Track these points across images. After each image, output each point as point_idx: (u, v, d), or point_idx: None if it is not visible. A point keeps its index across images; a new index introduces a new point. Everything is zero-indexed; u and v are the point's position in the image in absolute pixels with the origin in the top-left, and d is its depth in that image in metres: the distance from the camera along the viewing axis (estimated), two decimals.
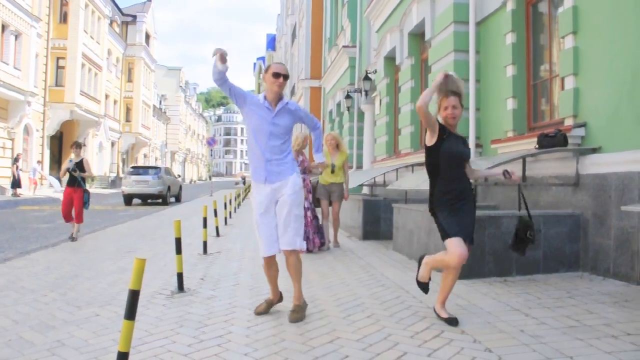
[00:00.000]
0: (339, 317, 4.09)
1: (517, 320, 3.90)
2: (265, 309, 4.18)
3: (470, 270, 5.28)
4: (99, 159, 39.41)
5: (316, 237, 7.68)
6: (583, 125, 5.78)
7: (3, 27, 24.48)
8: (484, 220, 5.52)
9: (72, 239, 9.03)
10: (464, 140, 3.97)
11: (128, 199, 21.62)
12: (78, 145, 9.45)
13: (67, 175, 9.30)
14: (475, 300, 4.51)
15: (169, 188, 22.34)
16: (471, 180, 4.02)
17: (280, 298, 4.32)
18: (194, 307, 4.41)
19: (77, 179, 9.15)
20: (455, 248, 3.70)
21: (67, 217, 9.23)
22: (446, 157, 3.79)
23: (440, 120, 3.88)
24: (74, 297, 4.84)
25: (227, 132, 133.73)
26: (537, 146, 6.11)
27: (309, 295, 4.67)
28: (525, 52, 7.44)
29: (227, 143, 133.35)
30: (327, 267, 6.40)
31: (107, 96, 41.11)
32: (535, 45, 7.45)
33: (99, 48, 37.33)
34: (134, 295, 2.83)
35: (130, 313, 2.80)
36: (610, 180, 5.35)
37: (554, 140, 5.86)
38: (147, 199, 22.36)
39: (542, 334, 3.54)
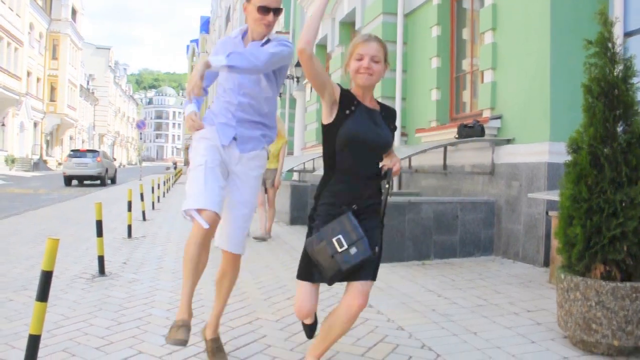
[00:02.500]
0: (259, 299, 4.17)
1: (430, 300, 4.12)
2: (185, 336, 2.48)
3: (390, 255, 5.49)
4: (20, 140, 37.48)
5: None
6: (499, 117, 6.11)
7: None
8: (404, 207, 5.74)
9: None
10: (385, 116, 2.54)
11: (68, 180, 22.92)
12: None
13: None
14: (393, 283, 4.71)
15: (106, 170, 23.92)
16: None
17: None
18: (114, 291, 4.36)
19: None
20: (298, 296, 2.54)
21: None
22: (345, 142, 2.40)
23: (350, 78, 2.51)
24: None
25: (159, 116, 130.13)
26: (456, 136, 6.39)
27: None
28: (450, 46, 7.74)
29: (159, 127, 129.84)
30: (252, 252, 6.45)
31: (29, 73, 39.07)
32: (459, 39, 7.76)
33: (19, 21, 35.34)
34: (46, 277, 2.78)
35: (43, 295, 2.75)
36: (521, 169, 5.69)
37: (472, 131, 6.15)
38: (86, 180, 23.67)
39: (452, 312, 3.76)
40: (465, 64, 7.69)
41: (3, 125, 34.51)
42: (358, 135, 2.40)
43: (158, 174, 26.94)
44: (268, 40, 2.79)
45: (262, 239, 7.44)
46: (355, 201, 2.43)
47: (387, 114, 2.57)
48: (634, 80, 3.13)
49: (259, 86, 2.80)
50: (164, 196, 15.63)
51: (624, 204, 2.97)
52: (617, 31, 5.22)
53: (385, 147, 2.52)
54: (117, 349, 3.03)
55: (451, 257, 5.85)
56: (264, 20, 2.73)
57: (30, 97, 38.92)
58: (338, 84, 2.47)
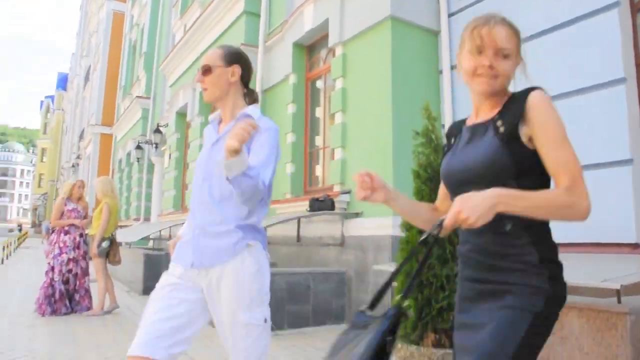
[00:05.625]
0: None
1: None
2: None
3: None
4: None
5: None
6: (349, 192, 6.52)
7: None
8: None
9: None
10: (502, 116, 1.57)
11: None
12: None
13: None
14: None
15: None
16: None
17: None
18: None
19: None
20: None
21: None
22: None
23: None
24: None
25: (4, 173, 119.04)
26: (308, 209, 6.69)
27: (74, 356, 4.40)
28: (304, 122, 8.21)
29: (3, 185, 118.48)
30: (99, 325, 6.08)
31: None
32: (312, 117, 8.28)
33: None
34: None
35: None
36: (369, 241, 6.08)
37: (323, 204, 6.49)
38: None
39: None
40: (318, 140, 8.17)
41: None
42: (443, 170, 1.74)
43: (0, 237, 24.46)
44: (246, 112, 2.22)
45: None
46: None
47: (506, 111, 1.57)
48: None
49: None
50: (3, 262, 14.20)
51: (449, 278, 3.32)
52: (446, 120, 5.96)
53: (480, 171, 1.55)
54: None
55: (304, 327, 5.97)
56: (199, 79, 2.23)
57: None
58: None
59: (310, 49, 8.42)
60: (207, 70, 2.19)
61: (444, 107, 6.20)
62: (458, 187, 1.61)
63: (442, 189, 1.85)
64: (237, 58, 2.27)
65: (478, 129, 1.62)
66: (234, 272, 2.06)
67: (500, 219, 1.41)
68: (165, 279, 2.18)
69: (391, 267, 5.23)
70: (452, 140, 1.75)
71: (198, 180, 2.19)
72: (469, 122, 1.70)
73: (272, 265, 7.45)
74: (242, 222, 2.10)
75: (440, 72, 6.39)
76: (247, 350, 2.08)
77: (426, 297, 3.35)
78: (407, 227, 3.56)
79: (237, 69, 2.25)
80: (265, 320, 2.15)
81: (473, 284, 1.59)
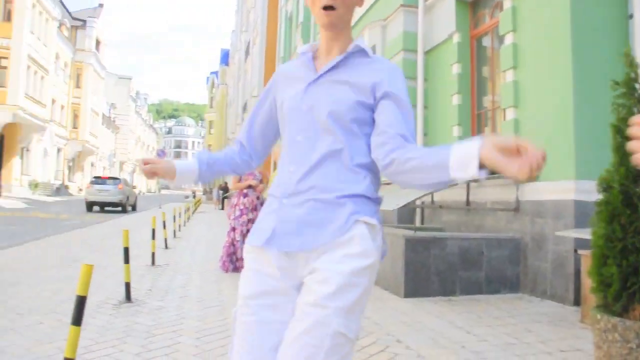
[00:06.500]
0: None
1: (459, 337, 4.06)
2: None
3: (416, 289, 5.47)
4: (43, 165, 38.10)
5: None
6: None
7: None
8: (429, 242, 5.71)
9: None
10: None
11: (89, 205, 23.20)
12: None
13: None
14: (420, 318, 4.66)
15: (127, 197, 24.29)
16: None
17: None
18: (141, 317, 4.37)
19: None
20: None
21: None
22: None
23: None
24: (16, 305, 4.71)
25: (178, 145, 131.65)
26: None
27: None
28: (470, 83, 7.81)
29: (177, 156, 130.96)
30: None
31: (53, 101, 39.94)
32: (479, 77, 7.84)
33: (46, 50, 36.36)
34: (80, 302, 2.83)
35: (77, 319, 2.80)
36: (547, 207, 5.65)
37: None
38: (107, 207, 23.80)
39: (482, 350, 3.71)
40: (487, 101, 7.74)
41: (27, 150, 35.16)
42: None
43: (177, 202, 27.15)
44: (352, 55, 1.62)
45: None
46: None
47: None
48: None
49: None
50: (184, 225, 15.71)
51: None
52: None
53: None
54: None
55: (477, 294, 5.78)
56: (324, 14, 1.57)
57: (54, 124, 39.71)
58: None
59: (474, 4, 7.94)
60: None
61: (635, 56, 5.48)
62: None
63: None
64: None
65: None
66: (336, 258, 1.46)
67: None
68: (252, 280, 1.56)
69: (577, 234, 4.82)
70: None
71: (291, 133, 1.62)
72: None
73: (440, 229, 7.32)
74: (353, 190, 1.52)
75: (630, 16, 5.64)
76: None
77: (632, 264, 3.00)
78: (606, 186, 3.20)
79: None
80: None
81: None
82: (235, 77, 45.99)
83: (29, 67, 32.85)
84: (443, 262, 5.72)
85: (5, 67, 31.00)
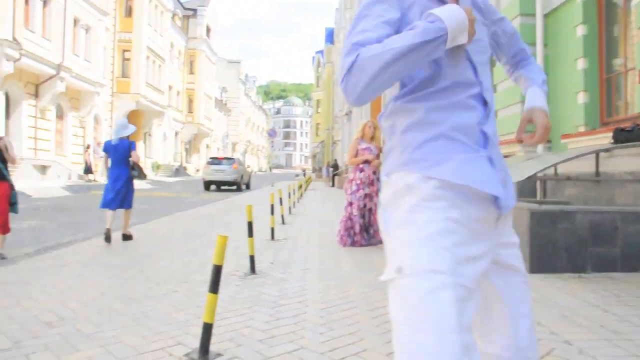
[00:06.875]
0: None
1: (595, 315, 3.80)
2: None
3: (542, 265, 5.19)
4: (163, 148, 40.79)
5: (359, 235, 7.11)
6: None
7: (75, 21, 25.73)
8: (557, 215, 5.38)
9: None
10: None
11: (207, 185, 24.55)
12: None
13: None
14: (550, 294, 4.42)
15: (241, 176, 25.29)
16: None
17: None
18: (267, 288, 4.53)
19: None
20: None
21: None
22: None
23: None
24: (152, 275, 5.07)
25: (287, 125, 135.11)
26: (612, 141, 5.89)
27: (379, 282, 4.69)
28: (598, 45, 7.18)
29: (287, 136, 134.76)
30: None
31: (170, 87, 42.46)
32: (609, 38, 7.18)
33: (162, 41, 38.71)
34: (217, 270, 2.97)
35: (214, 287, 2.95)
36: None
37: (631, 135, 5.64)
38: (223, 186, 25.04)
39: (625, 330, 3.43)
40: (617, 64, 7.09)
41: (149, 135, 37.74)
42: None
43: (288, 181, 27.93)
44: None
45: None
46: None
47: None
48: None
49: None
50: (298, 202, 16.11)
51: None
52: None
53: None
54: (279, 343, 3.12)
55: (611, 271, 5.37)
56: None
57: (171, 109, 42.26)
58: None
59: None
60: None
61: None
62: None
63: None
64: None
65: None
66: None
67: None
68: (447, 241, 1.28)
69: None
70: None
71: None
72: None
73: (567, 203, 6.88)
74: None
75: None
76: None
77: None
78: None
79: None
80: None
81: None
82: (340, 55, 46.05)
83: (147, 57, 35.17)
84: (572, 236, 5.36)
85: (128, 59, 33.47)
